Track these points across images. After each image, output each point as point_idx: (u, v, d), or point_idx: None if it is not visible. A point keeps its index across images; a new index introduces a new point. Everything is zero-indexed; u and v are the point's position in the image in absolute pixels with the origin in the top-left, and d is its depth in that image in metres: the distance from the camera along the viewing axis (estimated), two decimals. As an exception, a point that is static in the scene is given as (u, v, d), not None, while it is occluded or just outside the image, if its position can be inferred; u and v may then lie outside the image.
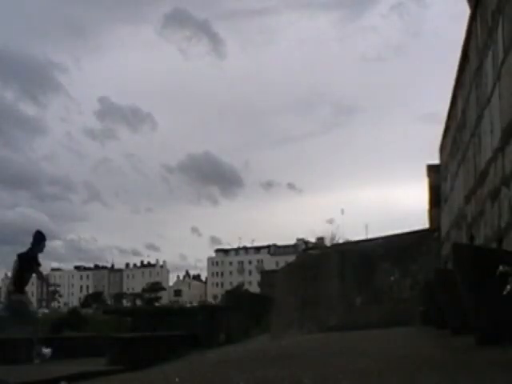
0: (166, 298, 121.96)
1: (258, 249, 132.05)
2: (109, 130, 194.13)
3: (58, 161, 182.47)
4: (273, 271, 43.64)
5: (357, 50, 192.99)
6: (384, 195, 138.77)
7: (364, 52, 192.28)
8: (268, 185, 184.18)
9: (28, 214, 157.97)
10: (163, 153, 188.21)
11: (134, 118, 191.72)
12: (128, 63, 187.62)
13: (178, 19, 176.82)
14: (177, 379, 3.77)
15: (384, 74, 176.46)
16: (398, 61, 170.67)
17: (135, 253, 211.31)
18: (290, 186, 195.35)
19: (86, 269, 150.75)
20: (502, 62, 3.87)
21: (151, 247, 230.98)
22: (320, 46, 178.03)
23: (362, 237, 21.56)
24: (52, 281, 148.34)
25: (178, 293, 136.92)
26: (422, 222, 12.55)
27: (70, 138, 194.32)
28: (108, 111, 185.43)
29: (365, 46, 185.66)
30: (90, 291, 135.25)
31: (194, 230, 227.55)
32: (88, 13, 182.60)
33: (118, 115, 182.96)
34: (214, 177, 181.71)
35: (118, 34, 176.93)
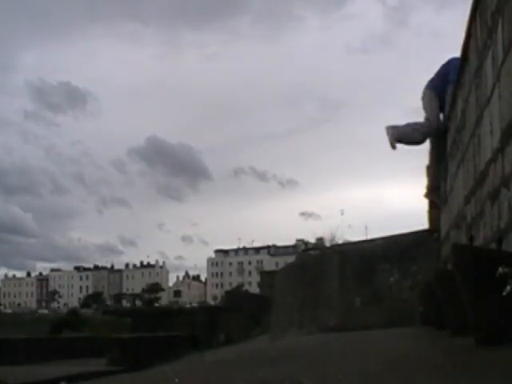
0: (165, 299, 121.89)
1: (257, 249, 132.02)
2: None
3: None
4: (272, 272, 43.61)
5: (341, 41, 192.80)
6: (383, 195, 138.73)
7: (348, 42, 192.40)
8: (262, 181, 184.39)
9: (15, 213, 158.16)
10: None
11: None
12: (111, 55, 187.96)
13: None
14: (176, 379, 3.77)
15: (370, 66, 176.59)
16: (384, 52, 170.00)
17: (134, 252, 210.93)
18: (289, 185, 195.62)
19: (85, 269, 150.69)
20: (502, 63, 3.88)
21: (150, 247, 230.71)
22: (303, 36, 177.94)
23: (361, 237, 21.57)
24: (51, 281, 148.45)
25: (177, 293, 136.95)
26: (421, 223, 12.58)
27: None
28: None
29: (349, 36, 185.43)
30: (90, 292, 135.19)
31: (192, 229, 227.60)
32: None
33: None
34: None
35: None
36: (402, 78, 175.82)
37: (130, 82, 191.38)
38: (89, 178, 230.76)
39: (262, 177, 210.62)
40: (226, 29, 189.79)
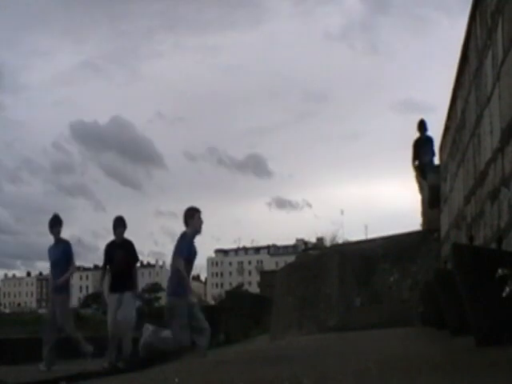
0: (165, 299, 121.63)
1: (257, 249, 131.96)
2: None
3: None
4: (272, 271, 43.61)
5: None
6: (383, 195, 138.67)
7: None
8: (260, 179, 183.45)
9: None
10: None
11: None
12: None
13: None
14: (176, 379, 3.77)
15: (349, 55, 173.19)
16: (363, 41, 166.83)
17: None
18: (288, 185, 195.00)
19: (85, 269, 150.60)
20: (502, 63, 3.88)
21: (149, 246, 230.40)
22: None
23: (361, 237, 21.58)
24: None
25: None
26: (421, 223, 12.59)
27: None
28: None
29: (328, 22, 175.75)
30: (90, 291, 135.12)
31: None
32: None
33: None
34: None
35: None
36: (390, 68, 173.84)
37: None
38: (87, 178, 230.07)
39: (260, 175, 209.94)
40: (201, 21, 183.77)
